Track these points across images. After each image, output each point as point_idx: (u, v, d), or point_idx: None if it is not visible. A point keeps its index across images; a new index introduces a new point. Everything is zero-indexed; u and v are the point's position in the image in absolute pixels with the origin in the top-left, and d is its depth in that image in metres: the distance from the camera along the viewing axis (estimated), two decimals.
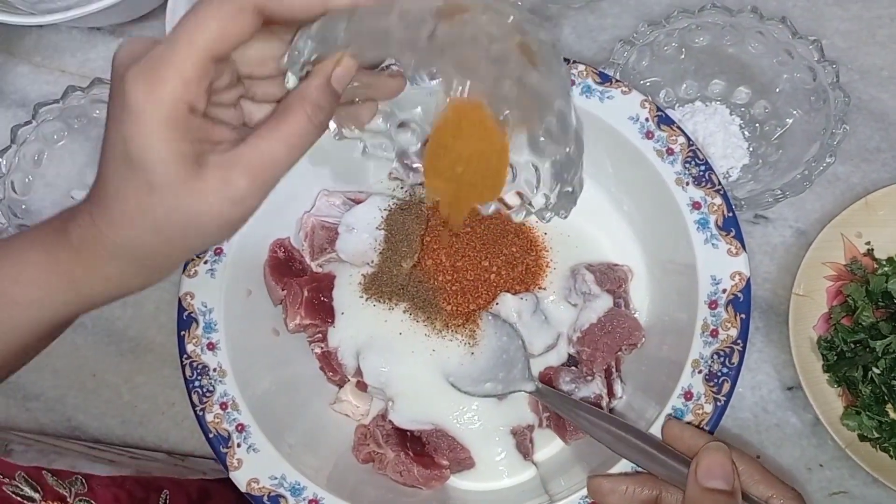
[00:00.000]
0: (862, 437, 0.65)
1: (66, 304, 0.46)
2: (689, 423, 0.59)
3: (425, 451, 0.67)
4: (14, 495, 0.57)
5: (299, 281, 0.70)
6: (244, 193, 0.42)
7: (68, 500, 0.61)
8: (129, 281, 0.46)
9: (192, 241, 0.44)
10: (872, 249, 0.71)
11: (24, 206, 0.78)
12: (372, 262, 0.70)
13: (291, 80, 0.45)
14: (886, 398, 0.65)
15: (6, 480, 0.58)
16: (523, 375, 0.65)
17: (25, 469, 0.60)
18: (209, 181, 0.41)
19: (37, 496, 0.58)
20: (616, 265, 0.69)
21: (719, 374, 0.59)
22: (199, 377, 0.64)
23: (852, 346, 0.67)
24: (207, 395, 0.64)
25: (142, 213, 0.42)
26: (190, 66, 0.39)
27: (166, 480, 0.67)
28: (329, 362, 0.70)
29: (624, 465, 0.59)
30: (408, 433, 0.67)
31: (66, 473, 0.62)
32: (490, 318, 0.67)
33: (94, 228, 0.43)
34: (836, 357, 0.67)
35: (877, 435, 0.65)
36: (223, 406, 0.63)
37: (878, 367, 0.65)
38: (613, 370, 0.66)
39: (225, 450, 0.62)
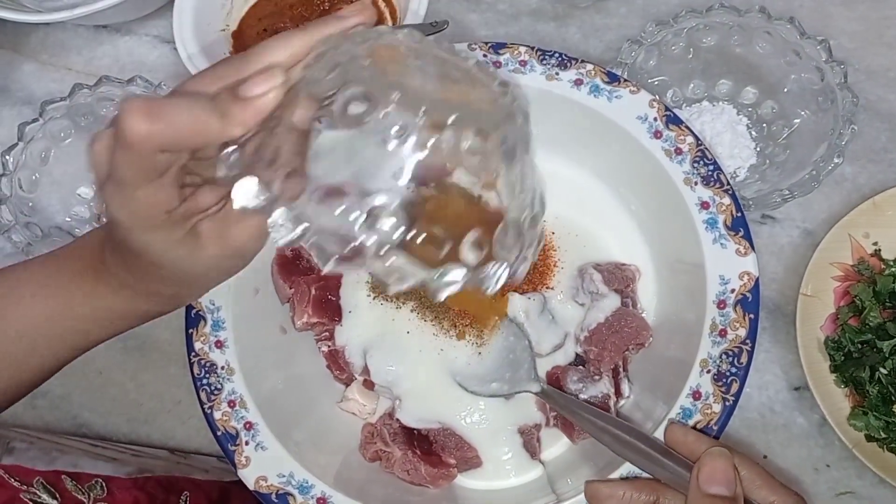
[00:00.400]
0: (869, 438, 0.65)
1: (106, 332, 0.54)
2: (692, 427, 0.59)
3: (432, 449, 0.67)
4: (32, 503, 0.58)
5: (307, 279, 0.70)
6: (243, 246, 0.47)
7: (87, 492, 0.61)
8: (160, 311, 0.53)
9: (208, 284, 0.52)
10: (880, 250, 0.71)
11: (30, 204, 0.78)
12: None
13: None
14: (894, 398, 0.65)
15: (24, 488, 0.58)
16: (529, 376, 0.65)
17: (44, 475, 0.60)
18: (209, 248, 0.46)
19: (55, 503, 0.58)
20: (624, 265, 0.69)
21: (728, 373, 0.59)
22: (207, 375, 0.64)
23: (859, 346, 0.67)
24: (215, 393, 0.64)
25: (160, 279, 0.48)
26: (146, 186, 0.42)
27: (187, 482, 0.67)
28: (336, 361, 0.70)
29: (629, 466, 0.59)
30: (415, 432, 0.67)
31: (86, 477, 0.62)
32: (496, 317, 0.67)
33: (126, 277, 0.49)
34: (843, 357, 0.67)
35: (884, 435, 0.65)
36: (231, 404, 0.63)
37: (885, 368, 0.65)
38: (621, 370, 0.66)
39: (233, 448, 0.62)
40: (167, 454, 0.75)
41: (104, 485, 0.62)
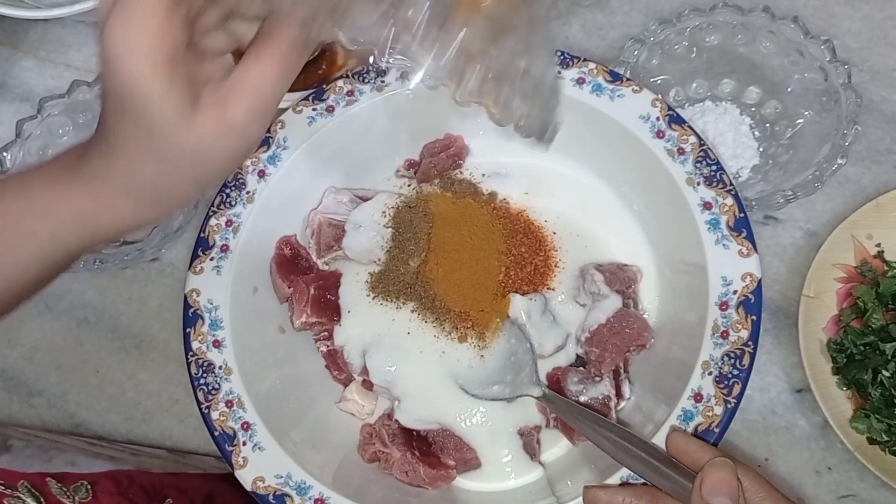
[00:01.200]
0: (871, 441, 0.65)
1: (77, 238, 0.47)
2: (693, 431, 0.58)
3: (431, 450, 0.66)
4: None
5: (306, 279, 0.69)
6: (243, 122, 0.42)
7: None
8: (139, 215, 0.47)
9: (199, 176, 0.45)
10: (883, 251, 0.70)
11: None
12: (379, 260, 0.69)
13: None
14: None
15: (8, 492, 0.57)
16: (531, 379, 0.65)
17: (28, 477, 0.60)
18: (206, 117, 0.41)
19: None
20: (625, 265, 0.69)
21: (730, 375, 0.59)
22: (205, 375, 0.64)
23: (862, 348, 0.67)
24: (213, 392, 0.63)
25: (145, 155, 0.43)
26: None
27: (171, 487, 0.67)
28: (335, 360, 0.70)
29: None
30: (414, 433, 0.66)
31: (72, 478, 0.62)
32: (498, 318, 0.67)
33: (104, 168, 0.44)
34: (845, 359, 0.67)
35: (886, 438, 0.64)
36: (228, 404, 0.63)
37: (887, 370, 0.65)
38: (622, 371, 0.66)
39: (230, 448, 0.62)
40: (165, 453, 0.75)
41: (89, 488, 0.62)
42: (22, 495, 0.58)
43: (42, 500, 0.58)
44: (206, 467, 0.73)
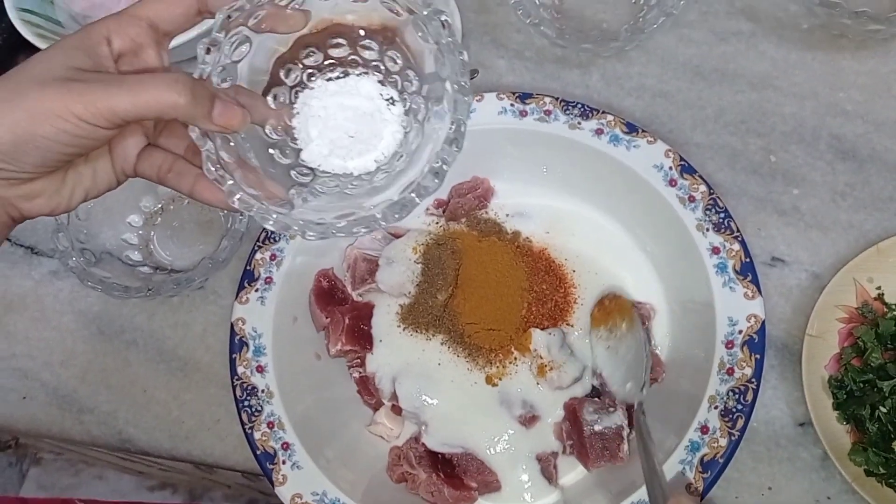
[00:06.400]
0: (868, 473, 0.68)
1: None
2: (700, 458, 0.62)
3: (455, 473, 0.71)
4: None
5: (341, 309, 0.74)
6: (74, 114, 0.47)
7: None
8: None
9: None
10: (883, 294, 0.74)
11: (85, 231, 0.83)
12: (409, 293, 0.74)
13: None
14: (893, 436, 0.68)
15: None
16: (645, 382, 0.68)
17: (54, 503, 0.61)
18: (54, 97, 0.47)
19: None
20: (640, 303, 0.74)
21: (734, 410, 0.63)
22: (249, 398, 0.69)
23: (861, 385, 0.70)
24: (256, 414, 0.68)
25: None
26: None
27: None
28: (367, 386, 0.74)
29: (641, 493, 0.63)
30: (439, 455, 0.71)
31: None
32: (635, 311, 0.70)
33: None
34: (845, 396, 0.70)
35: (883, 471, 0.68)
36: (270, 425, 0.68)
37: (885, 407, 0.68)
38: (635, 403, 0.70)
39: (271, 466, 0.67)
40: (192, 468, 0.78)
41: None
42: None
43: None
44: (232, 483, 0.76)
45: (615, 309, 0.71)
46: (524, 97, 0.75)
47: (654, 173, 0.71)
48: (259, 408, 0.69)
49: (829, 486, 0.71)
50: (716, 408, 0.64)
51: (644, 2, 0.89)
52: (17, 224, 0.54)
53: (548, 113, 0.74)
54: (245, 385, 0.69)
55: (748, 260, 0.67)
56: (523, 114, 0.74)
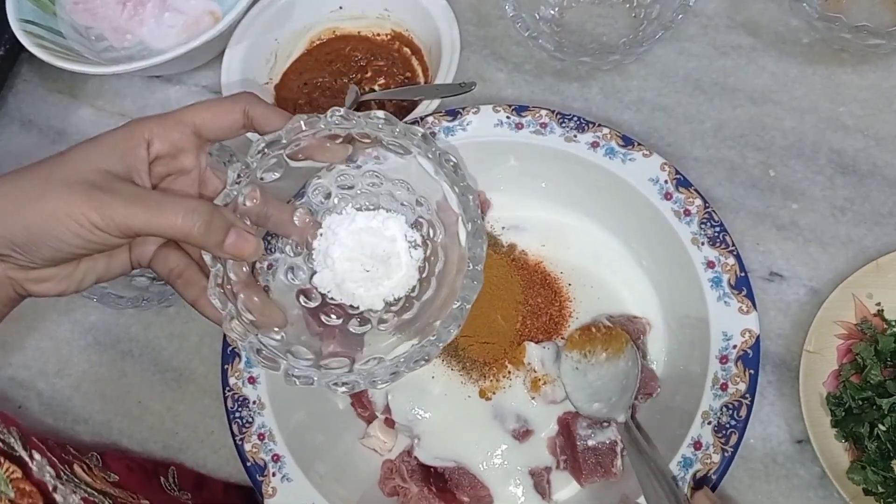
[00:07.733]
0: (867, 492, 0.67)
1: None
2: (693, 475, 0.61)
3: (447, 486, 0.70)
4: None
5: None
6: (90, 221, 0.50)
7: (86, 461, 0.65)
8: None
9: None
10: (882, 310, 0.73)
11: None
12: None
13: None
14: (891, 454, 0.67)
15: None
16: (625, 405, 0.67)
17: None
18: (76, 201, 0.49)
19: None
20: (635, 317, 0.73)
21: (728, 425, 0.63)
22: (240, 409, 0.69)
23: (860, 402, 0.69)
24: (247, 425, 0.68)
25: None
26: None
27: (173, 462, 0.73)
28: (360, 399, 0.74)
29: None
30: (431, 469, 0.70)
31: (84, 450, 0.68)
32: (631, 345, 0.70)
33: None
34: (843, 413, 0.70)
35: (881, 490, 0.67)
36: (261, 437, 0.68)
37: (884, 424, 0.68)
38: (629, 417, 0.70)
39: (261, 478, 0.66)
40: None
41: (98, 456, 0.68)
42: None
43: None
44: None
45: (603, 339, 0.70)
46: (520, 110, 0.75)
47: (650, 187, 0.71)
48: (250, 419, 0.68)
49: None
50: (709, 423, 0.63)
51: (643, 15, 0.89)
52: (22, 300, 0.56)
53: (544, 126, 0.74)
54: (236, 396, 0.69)
55: (743, 274, 0.66)
56: (519, 126, 0.74)
